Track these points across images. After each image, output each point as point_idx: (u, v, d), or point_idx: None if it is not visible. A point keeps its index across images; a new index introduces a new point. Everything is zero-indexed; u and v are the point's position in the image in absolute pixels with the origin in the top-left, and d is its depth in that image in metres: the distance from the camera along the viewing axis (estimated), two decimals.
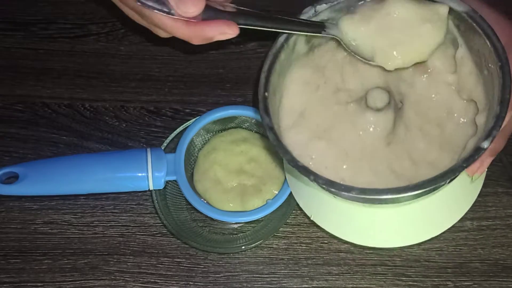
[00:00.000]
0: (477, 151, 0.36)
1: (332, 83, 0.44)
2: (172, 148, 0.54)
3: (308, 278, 0.52)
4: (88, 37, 0.62)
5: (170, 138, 0.55)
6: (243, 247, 0.49)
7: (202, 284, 0.51)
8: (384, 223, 0.46)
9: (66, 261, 0.52)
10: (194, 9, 0.36)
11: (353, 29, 0.41)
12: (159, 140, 0.55)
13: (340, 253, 0.52)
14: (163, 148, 0.54)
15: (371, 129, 0.41)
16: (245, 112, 0.54)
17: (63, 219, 0.54)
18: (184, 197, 0.52)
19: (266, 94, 0.40)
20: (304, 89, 0.44)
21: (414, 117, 0.42)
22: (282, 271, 0.52)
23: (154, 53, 0.62)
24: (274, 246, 0.53)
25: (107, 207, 0.54)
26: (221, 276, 0.52)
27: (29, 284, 0.51)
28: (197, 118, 0.54)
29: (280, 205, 0.51)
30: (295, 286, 0.51)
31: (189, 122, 0.54)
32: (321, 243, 0.53)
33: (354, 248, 0.52)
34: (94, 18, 0.63)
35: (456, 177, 0.40)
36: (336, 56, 0.45)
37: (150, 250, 0.53)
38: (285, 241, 0.53)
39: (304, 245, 0.53)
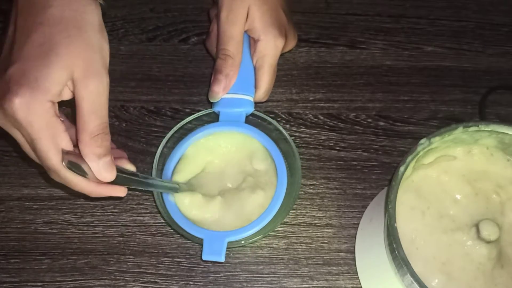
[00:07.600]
0: None
1: (434, 208, 0.45)
2: (169, 147, 0.53)
3: (308, 278, 0.52)
4: None
5: (168, 136, 0.54)
6: (242, 242, 0.49)
7: (202, 284, 0.51)
8: None
9: (66, 261, 0.52)
10: (111, 176, 0.41)
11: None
12: (159, 140, 0.55)
13: (340, 253, 0.52)
14: (161, 147, 0.53)
15: (487, 260, 0.43)
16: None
17: (63, 219, 0.54)
18: None
19: (395, 224, 0.40)
20: (411, 215, 0.45)
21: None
22: (282, 271, 0.52)
23: (154, 53, 0.62)
24: (274, 246, 0.53)
25: (107, 207, 0.54)
26: (221, 276, 0.52)
27: (29, 284, 0.51)
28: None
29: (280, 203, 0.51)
30: (295, 286, 0.51)
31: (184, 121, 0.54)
32: (321, 243, 0.53)
33: (354, 248, 0.52)
34: None
35: None
36: (431, 179, 0.46)
37: (150, 250, 0.53)
38: (285, 241, 0.53)
39: (304, 245, 0.53)
